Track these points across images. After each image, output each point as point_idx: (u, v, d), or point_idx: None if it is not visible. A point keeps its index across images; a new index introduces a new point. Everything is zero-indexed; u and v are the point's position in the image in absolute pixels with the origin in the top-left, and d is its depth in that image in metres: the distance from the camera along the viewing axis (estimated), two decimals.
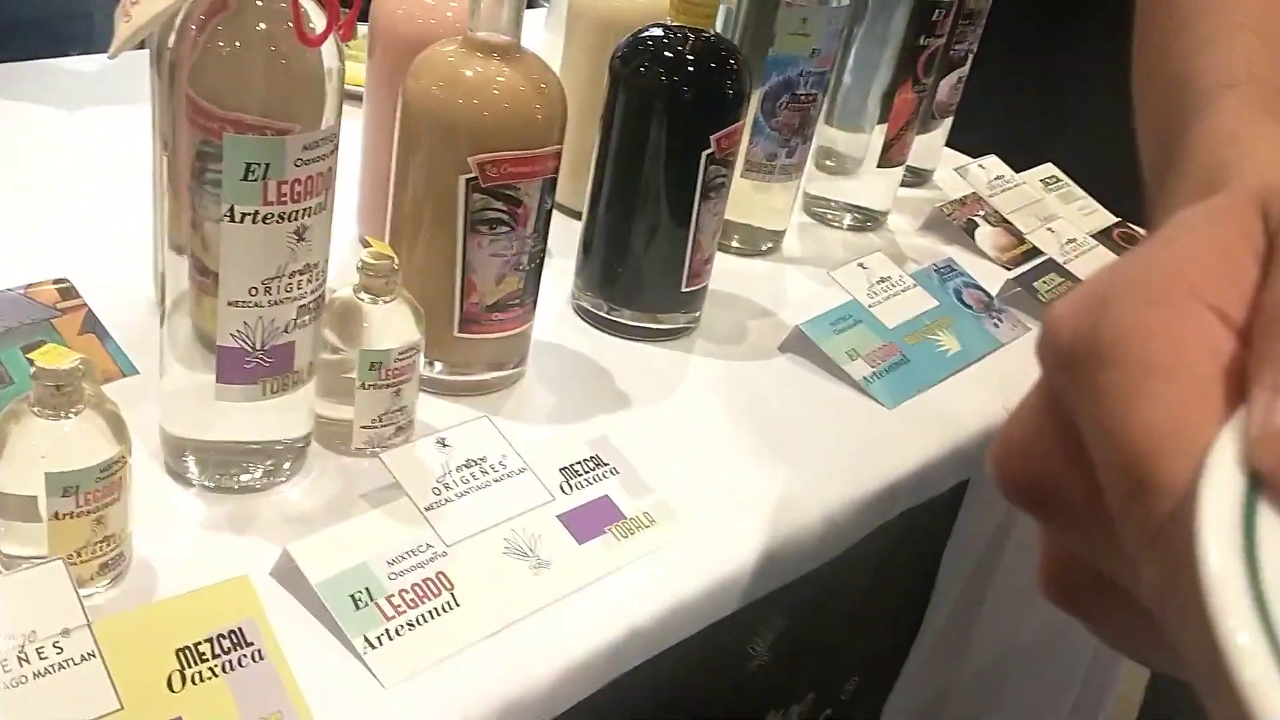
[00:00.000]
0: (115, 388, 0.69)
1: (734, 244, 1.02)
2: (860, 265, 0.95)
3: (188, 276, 0.60)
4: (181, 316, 0.62)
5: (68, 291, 0.76)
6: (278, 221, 0.58)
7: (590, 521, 0.67)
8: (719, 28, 0.85)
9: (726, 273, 0.96)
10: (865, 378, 0.87)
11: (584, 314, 0.89)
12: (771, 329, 0.92)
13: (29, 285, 0.75)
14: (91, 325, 0.74)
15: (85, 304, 0.75)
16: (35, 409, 0.54)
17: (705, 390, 0.84)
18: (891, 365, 0.89)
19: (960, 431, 0.86)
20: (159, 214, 0.61)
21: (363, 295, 0.68)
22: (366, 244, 0.70)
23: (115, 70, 1.12)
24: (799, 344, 0.89)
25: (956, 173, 1.19)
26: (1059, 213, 1.19)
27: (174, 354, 0.64)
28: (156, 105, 0.58)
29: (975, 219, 1.15)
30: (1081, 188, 1.24)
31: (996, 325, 0.99)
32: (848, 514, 0.75)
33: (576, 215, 0.92)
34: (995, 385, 0.92)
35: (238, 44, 0.56)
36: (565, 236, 0.90)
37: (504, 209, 0.73)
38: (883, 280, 0.95)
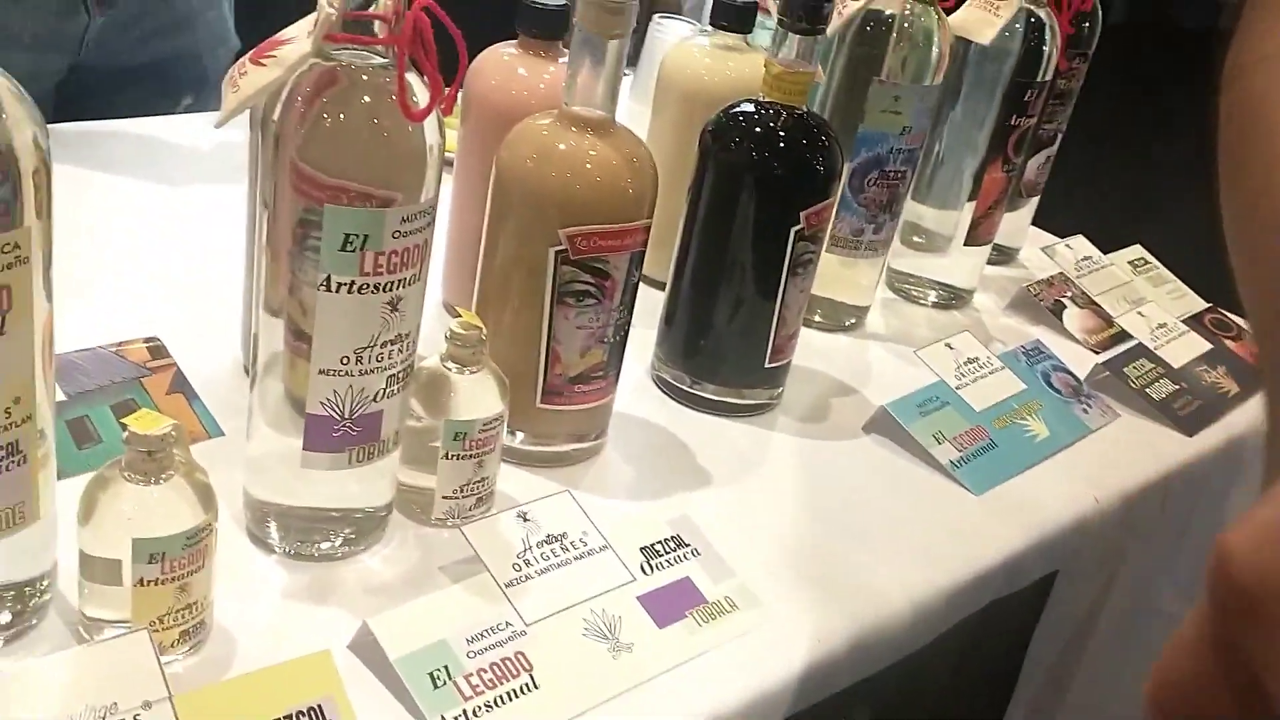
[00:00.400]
0: (200, 449, 0.70)
1: (817, 319, 1.01)
2: (947, 345, 0.93)
3: (281, 340, 0.60)
4: (273, 380, 0.62)
5: (157, 351, 0.77)
6: (373, 292, 0.58)
7: (671, 604, 0.65)
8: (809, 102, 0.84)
9: (809, 348, 0.95)
10: (952, 462, 0.85)
11: (664, 386, 0.88)
12: (855, 408, 0.91)
13: (120, 344, 0.76)
14: (180, 385, 0.75)
15: (174, 363, 0.76)
16: (126, 473, 0.54)
17: (787, 469, 0.82)
18: (979, 450, 0.87)
19: (1050, 521, 0.83)
20: (254, 276, 0.61)
21: (450, 365, 0.68)
22: (455, 313, 0.70)
23: (213, 131, 1.14)
24: (884, 424, 0.87)
25: (1044, 252, 1.17)
26: (1148, 296, 1.17)
27: (263, 417, 0.64)
28: (259, 169, 0.59)
29: (1063, 300, 1.13)
30: (1170, 271, 1.22)
31: (1086, 411, 0.96)
32: (935, 604, 0.73)
33: (657, 285, 0.91)
34: (1085, 474, 0.89)
35: (343, 116, 0.56)
36: (645, 307, 0.89)
37: (592, 281, 0.72)
38: (970, 361, 0.93)
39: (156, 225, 0.99)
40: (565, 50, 0.86)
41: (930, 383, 0.89)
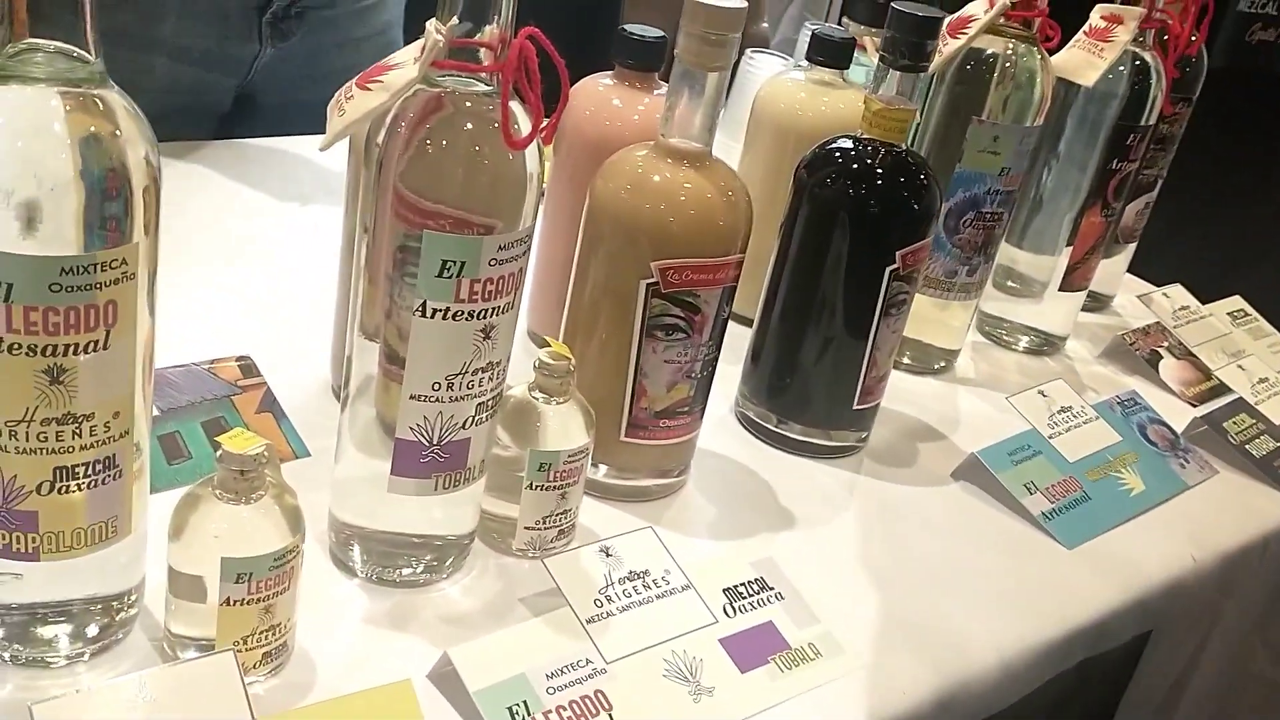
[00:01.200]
0: (287, 469, 0.70)
1: (905, 360, 0.99)
2: (1040, 393, 0.91)
3: (375, 364, 0.60)
4: (364, 403, 0.62)
5: (248, 369, 0.77)
6: (467, 319, 0.58)
7: (754, 649, 0.64)
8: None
9: (896, 390, 0.93)
10: (1044, 513, 0.82)
11: (748, 423, 0.87)
12: (943, 453, 0.89)
13: (213, 361, 0.77)
14: (269, 404, 0.75)
15: (264, 382, 0.77)
16: (217, 491, 0.54)
17: (873, 514, 0.80)
18: (1072, 502, 0.84)
19: (1144, 580, 0.80)
20: (351, 298, 0.61)
21: (537, 394, 0.68)
22: (539, 341, 0.69)
23: (312, 153, 1.16)
24: (973, 472, 0.85)
25: (1140, 300, 1.14)
26: (1248, 349, 1.13)
27: (352, 439, 0.63)
28: (360, 193, 0.59)
29: (1159, 350, 1.09)
30: (1271, 324, 1.18)
31: (1183, 466, 0.93)
32: (1024, 661, 0.71)
33: (743, 321, 0.90)
34: (1181, 531, 0.86)
35: (445, 142, 0.56)
36: (729, 342, 0.88)
37: (682, 315, 0.71)
38: (1063, 410, 0.90)
39: (254, 244, 1.00)
40: (661, 82, 0.86)
41: (1022, 431, 0.87)
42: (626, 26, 0.85)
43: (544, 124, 0.57)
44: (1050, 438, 0.88)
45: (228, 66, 1.19)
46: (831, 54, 0.94)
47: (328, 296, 0.80)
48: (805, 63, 0.97)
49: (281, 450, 0.73)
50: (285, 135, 1.21)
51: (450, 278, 0.57)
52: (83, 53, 0.47)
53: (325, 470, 0.67)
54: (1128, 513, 0.87)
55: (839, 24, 1.26)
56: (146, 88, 1.13)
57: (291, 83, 1.23)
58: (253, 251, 0.99)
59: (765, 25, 2.71)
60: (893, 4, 0.77)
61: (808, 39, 1.12)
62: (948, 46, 0.90)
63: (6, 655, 0.55)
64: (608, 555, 0.65)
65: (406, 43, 1.39)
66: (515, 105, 0.57)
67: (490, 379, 0.61)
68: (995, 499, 0.84)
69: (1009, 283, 1.07)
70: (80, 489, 0.51)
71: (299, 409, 0.77)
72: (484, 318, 0.59)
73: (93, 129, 0.47)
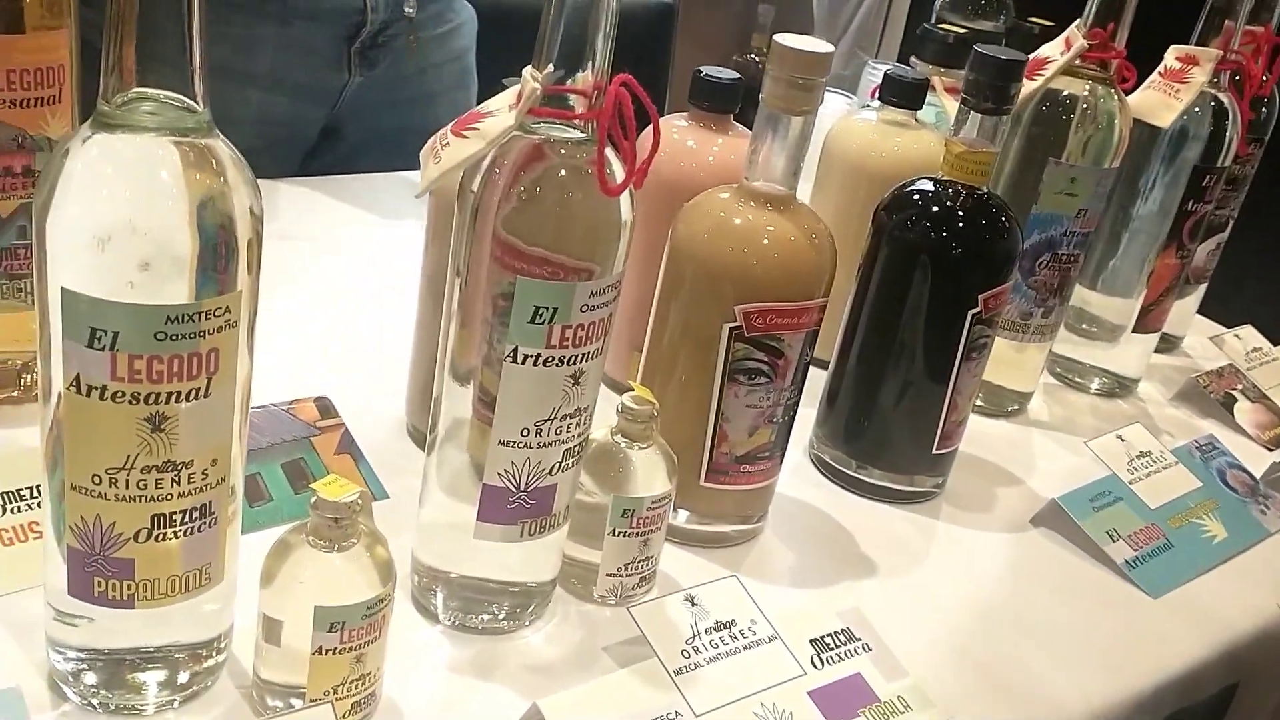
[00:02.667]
0: None
1: (978, 403, 0.97)
2: (1119, 437, 0.89)
3: (469, 408, 0.60)
4: (453, 447, 0.62)
5: (327, 410, 0.77)
6: (557, 365, 0.58)
7: (843, 702, 0.62)
8: None
9: (970, 433, 0.91)
10: (1127, 561, 0.81)
11: (824, 467, 0.86)
12: (1021, 499, 0.87)
13: (292, 402, 0.76)
14: (347, 445, 0.75)
15: (342, 423, 0.77)
16: (310, 538, 0.53)
17: (954, 562, 0.79)
18: (1155, 550, 0.83)
19: (1230, 629, 0.78)
20: (442, 341, 0.60)
21: (620, 439, 0.67)
22: (618, 386, 0.69)
23: (392, 193, 1.16)
24: (1054, 518, 0.83)
25: (1211, 341, 1.12)
26: None
27: (439, 483, 0.63)
28: (451, 237, 0.59)
29: (1233, 393, 1.07)
30: None
31: (1264, 512, 0.91)
32: (1114, 714, 0.69)
33: (817, 363, 0.89)
34: (1266, 580, 0.84)
35: (540, 189, 0.56)
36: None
37: (765, 359, 0.71)
38: (1143, 455, 0.89)
39: (332, 283, 1.00)
40: (736, 124, 0.86)
41: (1102, 476, 0.85)
42: (702, 69, 0.84)
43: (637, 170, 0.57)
44: (1131, 483, 0.86)
45: (318, 97, 1.22)
46: (904, 94, 0.93)
47: (404, 336, 0.80)
48: (875, 103, 0.97)
49: (366, 492, 0.73)
50: (365, 165, 1.22)
51: (542, 324, 0.57)
52: (191, 102, 0.47)
53: (404, 512, 0.67)
54: (1210, 561, 0.85)
55: (901, 62, 1.25)
56: (241, 120, 1.15)
57: (373, 111, 1.25)
58: (330, 290, 0.99)
59: None
60: (975, 47, 0.76)
61: (875, 78, 1.11)
62: (1025, 87, 0.89)
63: (96, 702, 0.55)
64: (693, 604, 0.64)
65: (480, 68, 1.40)
66: (609, 151, 0.56)
67: (577, 425, 0.60)
68: (1077, 546, 0.82)
69: (1082, 324, 1.05)
70: (176, 536, 0.51)
71: (376, 449, 0.76)
72: (574, 363, 0.58)
73: (201, 178, 0.47)
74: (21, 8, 0.66)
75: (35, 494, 0.64)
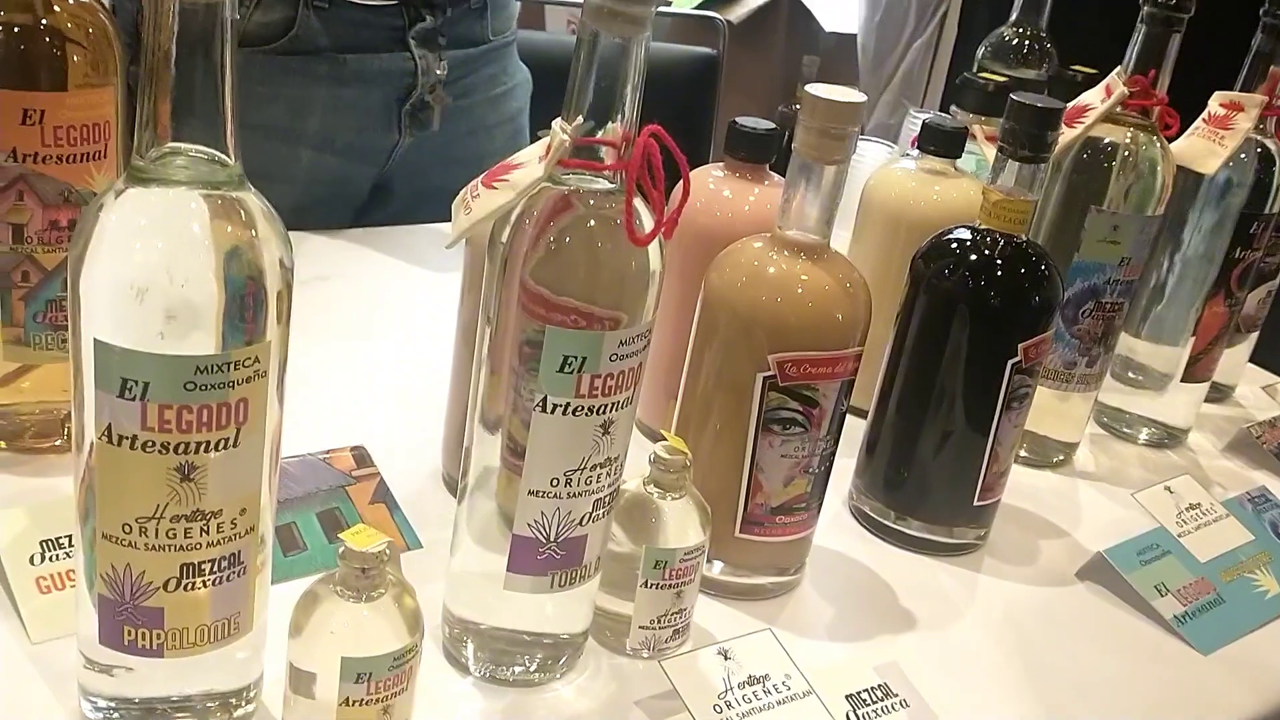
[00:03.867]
0: None
1: (1023, 453, 0.96)
2: (1167, 489, 0.87)
3: (498, 456, 0.60)
4: (483, 495, 0.62)
5: (362, 459, 0.77)
6: (586, 414, 0.58)
7: None
8: None
9: (1014, 484, 0.90)
10: (1176, 617, 0.79)
11: (862, 518, 0.85)
12: (1066, 551, 0.85)
13: (329, 451, 0.77)
14: (382, 495, 0.75)
15: (377, 472, 0.77)
16: (338, 589, 0.53)
17: (996, 616, 0.78)
18: (1205, 605, 0.81)
19: None
20: (472, 389, 0.60)
21: (652, 490, 0.67)
22: (652, 433, 0.68)
23: (428, 243, 1.17)
24: (1099, 571, 0.82)
25: (1264, 391, 1.10)
26: None
27: (470, 532, 0.63)
28: (482, 285, 0.59)
29: None
30: None
31: None
32: None
33: (855, 412, 0.88)
34: None
35: (570, 239, 0.56)
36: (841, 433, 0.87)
37: (800, 409, 0.70)
38: (1192, 507, 0.87)
39: (369, 331, 1.01)
40: (772, 173, 0.86)
41: (1150, 529, 0.84)
42: (738, 120, 0.85)
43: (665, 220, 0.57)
44: (1180, 536, 0.84)
45: (368, 157, 1.23)
46: (943, 143, 0.93)
47: (440, 384, 0.80)
48: (915, 151, 0.97)
49: (394, 542, 0.73)
50: (415, 223, 1.23)
51: (571, 373, 0.57)
52: (223, 156, 0.48)
53: (437, 562, 0.67)
54: (1263, 616, 0.82)
55: (944, 111, 1.25)
56: (292, 178, 1.17)
57: (424, 170, 1.26)
58: (370, 338, 0.99)
59: None
60: (1012, 95, 0.76)
61: (915, 127, 1.11)
62: (1065, 135, 0.88)
63: None
64: (726, 658, 0.63)
65: (532, 126, 1.41)
66: (638, 202, 0.56)
67: (608, 474, 0.60)
68: (1123, 600, 0.80)
69: (1129, 373, 1.04)
70: (205, 585, 0.51)
71: (411, 499, 0.77)
72: (604, 413, 0.58)
73: (231, 232, 0.48)
74: (67, 66, 0.67)
75: (73, 542, 0.64)
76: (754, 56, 2.67)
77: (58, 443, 0.76)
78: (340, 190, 1.22)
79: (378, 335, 1.01)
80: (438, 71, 1.20)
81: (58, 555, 0.64)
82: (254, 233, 0.48)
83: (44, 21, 0.67)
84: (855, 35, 2.62)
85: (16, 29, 0.67)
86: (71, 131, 0.68)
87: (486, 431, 0.60)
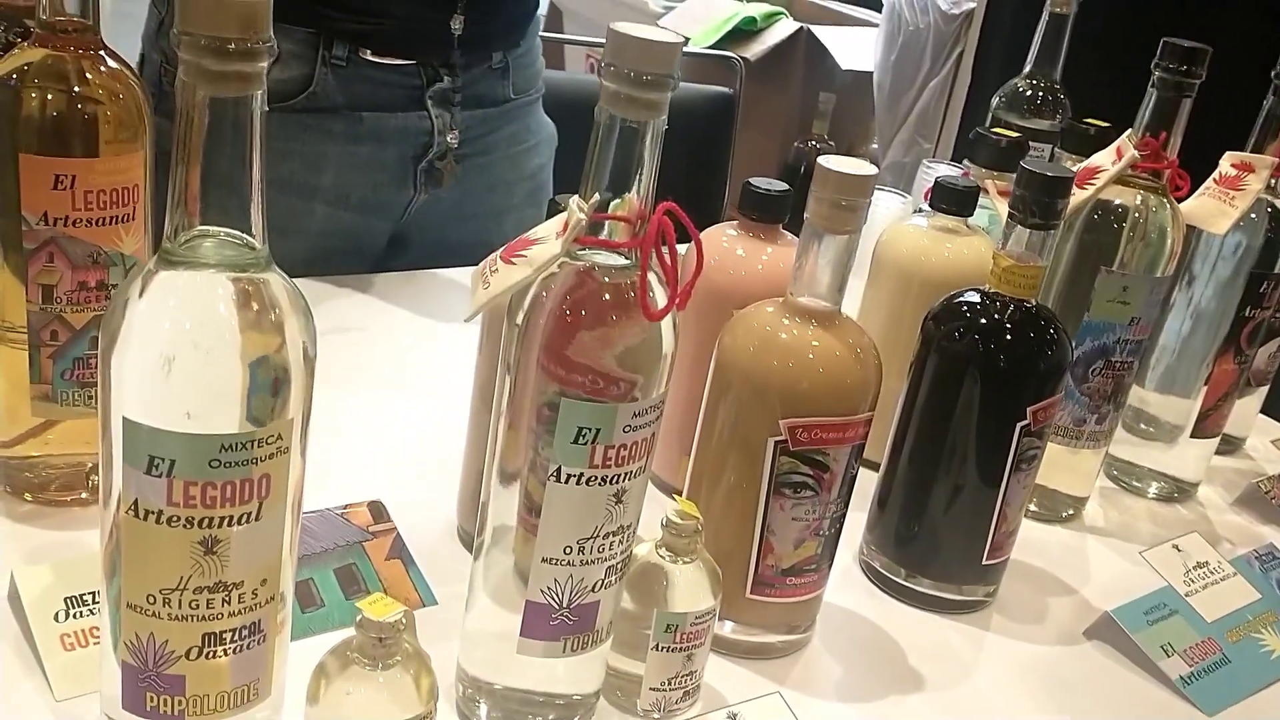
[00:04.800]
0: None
1: (1032, 508, 0.97)
2: (1175, 547, 0.88)
3: (512, 512, 0.61)
4: (500, 551, 0.63)
5: (380, 514, 0.79)
6: (599, 484, 0.59)
7: None
8: None
9: (1023, 539, 0.91)
10: (1183, 678, 0.79)
11: (873, 574, 0.85)
12: (1074, 610, 0.86)
13: (347, 506, 0.78)
14: (399, 550, 0.77)
15: (394, 528, 0.78)
16: (354, 655, 0.55)
17: (1004, 676, 0.78)
18: (1211, 665, 0.81)
19: None
20: (490, 444, 0.62)
21: (664, 553, 0.68)
22: (665, 487, 0.69)
23: (446, 296, 1.18)
24: (1107, 631, 0.82)
25: (1275, 445, 1.10)
26: None
27: (485, 589, 0.64)
28: (501, 349, 0.60)
29: None
30: None
31: None
32: None
33: (867, 465, 0.89)
34: None
35: (585, 314, 0.57)
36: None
37: (810, 473, 0.71)
38: (1200, 566, 0.87)
39: (387, 382, 1.02)
40: (785, 232, 0.87)
41: (1157, 588, 0.84)
42: (751, 180, 0.86)
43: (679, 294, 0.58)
44: (1187, 595, 0.85)
45: (383, 211, 1.23)
46: (955, 202, 0.94)
47: (456, 436, 0.81)
48: (927, 207, 0.98)
49: (410, 599, 0.74)
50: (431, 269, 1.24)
51: (585, 444, 0.58)
52: (250, 238, 0.50)
53: (452, 618, 0.68)
54: (1269, 677, 0.83)
55: (956, 161, 1.26)
56: (306, 231, 1.18)
57: (441, 224, 1.27)
58: (387, 389, 1.01)
59: (875, 147, 2.73)
60: (1022, 163, 0.77)
61: (929, 178, 1.12)
62: (1076, 195, 0.89)
63: None
64: None
65: (556, 173, 1.39)
66: (652, 276, 0.58)
67: (620, 542, 0.61)
68: (1131, 660, 0.81)
69: (1140, 424, 1.04)
70: (227, 654, 0.53)
71: (427, 554, 0.78)
72: (617, 482, 0.59)
73: (257, 312, 0.49)
74: (99, 133, 0.69)
75: (97, 599, 0.66)
76: (771, 93, 2.69)
77: (83, 495, 0.77)
78: (355, 244, 1.23)
79: (395, 384, 1.02)
80: (449, 137, 1.20)
81: (82, 612, 0.65)
82: (280, 317, 0.50)
83: (76, 89, 0.69)
84: (871, 73, 2.64)
85: (50, 96, 0.69)
86: (101, 195, 0.70)
87: (503, 485, 0.61)
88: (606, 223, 0.57)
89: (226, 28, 0.45)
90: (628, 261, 0.58)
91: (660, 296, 0.58)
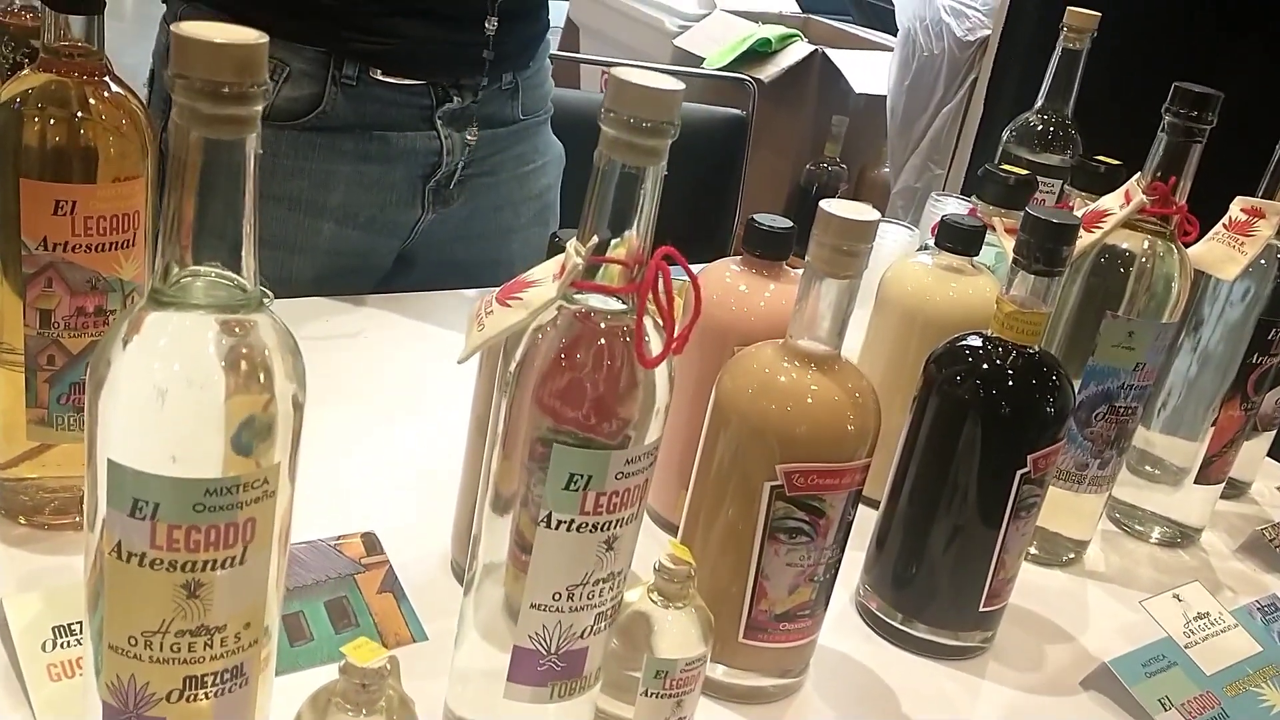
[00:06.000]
0: (403, 653, 0.70)
1: (1032, 551, 0.96)
2: (1176, 597, 0.87)
3: (504, 546, 0.60)
4: (491, 584, 0.62)
5: (372, 546, 0.78)
6: (590, 531, 0.58)
7: None
8: None
9: (1022, 583, 0.89)
10: None
11: (869, 617, 0.85)
12: (1072, 658, 0.85)
13: (339, 538, 0.78)
14: (390, 584, 0.76)
15: (387, 560, 0.78)
16: (338, 700, 0.54)
17: None
18: None
19: None
20: (484, 473, 0.61)
21: (655, 598, 0.67)
22: (672, 526, 0.68)
23: (441, 318, 1.18)
24: (1104, 681, 0.81)
25: (1279, 490, 1.09)
26: None
27: (476, 626, 0.63)
28: (497, 381, 0.60)
29: None
30: None
31: None
32: None
33: (867, 502, 0.88)
34: None
35: (579, 358, 0.57)
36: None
37: (806, 519, 0.70)
38: (1200, 617, 0.86)
39: (387, 405, 1.01)
40: (788, 269, 0.87)
41: (1157, 639, 0.83)
42: (755, 216, 0.85)
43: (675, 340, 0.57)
44: (1187, 647, 0.84)
45: (391, 230, 1.23)
46: (961, 241, 0.93)
47: (452, 464, 0.80)
48: (933, 245, 0.97)
49: (400, 634, 0.73)
50: (435, 290, 1.23)
51: (576, 490, 0.57)
52: (241, 279, 0.49)
53: (442, 655, 0.67)
54: None
55: (966, 194, 1.26)
56: (314, 249, 1.18)
57: (448, 243, 1.27)
58: (384, 413, 1.00)
59: (887, 171, 2.73)
60: (1028, 208, 0.77)
61: (936, 213, 1.12)
62: (1083, 239, 0.88)
63: None
64: None
65: (564, 199, 1.39)
66: (648, 322, 0.57)
67: (611, 588, 0.61)
68: (1128, 712, 0.80)
69: (1145, 466, 1.03)
70: (208, 697, 0.52)
71: (419, 587, 0.77)
72: (608, 529, 0.59)
73: (246, 355, 0.49)
74: (100, 159, 0.69)
75: (84, 629, 0.65)
76: (784, 115, 2.68)
77: (77, 519, 0.77)
78: (362, 262, 1.23)
79: (392, 410, 1.01)
80: (458, 157, 1.21)
81: (69, 642, 0.65)
82: (266, 355, 0.49)
83: (79, 114, 0.69)
84: (884, 97, 2.63)
85: (52, 121, 0.69)
86: (101, 221, 0.70)
87: (496, 514, 0.61)
88: (603, 266, 0.57)
89: (222, 72, 0.45)
90: (624, 306, 0.57)
91: (656, 343, 0.58)
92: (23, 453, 0.76)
